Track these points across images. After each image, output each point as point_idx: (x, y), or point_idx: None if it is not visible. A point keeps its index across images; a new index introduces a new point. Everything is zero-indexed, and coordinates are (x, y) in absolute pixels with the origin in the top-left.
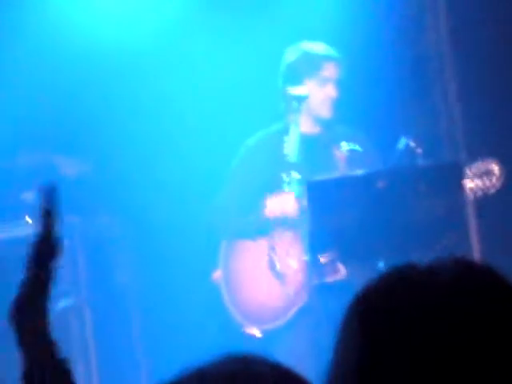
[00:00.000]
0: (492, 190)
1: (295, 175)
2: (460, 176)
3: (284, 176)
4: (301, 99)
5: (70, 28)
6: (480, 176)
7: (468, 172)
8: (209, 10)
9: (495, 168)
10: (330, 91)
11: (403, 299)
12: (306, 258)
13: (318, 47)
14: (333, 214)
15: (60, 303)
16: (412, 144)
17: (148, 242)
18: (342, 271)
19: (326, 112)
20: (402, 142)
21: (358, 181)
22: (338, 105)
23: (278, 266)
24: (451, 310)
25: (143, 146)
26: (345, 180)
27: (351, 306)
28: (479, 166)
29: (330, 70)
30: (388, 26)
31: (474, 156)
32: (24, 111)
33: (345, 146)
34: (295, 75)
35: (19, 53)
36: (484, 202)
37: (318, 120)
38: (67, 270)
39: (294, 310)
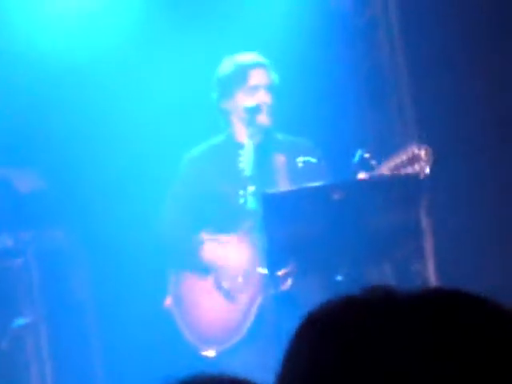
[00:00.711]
0: (422, 175)
1: (251, 189)
2: (416, 187)
3: (240, 191)
4: (252, 111)
5: (23, 40)
6: (409, 162)
7: (397, 160)
8: (153, 23)
9: (422, 152)
10: (262, 97)
11: (357, 325)
12: (263, 271)
13: (246, 57)
14: (289, 226)
15: (16, 321)
16: (366, 155)
17: (103, 256)
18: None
19: (263, 119)
20: (358, 154)
21: (313, 193)
22: (292, 115)
23: (225, 284)
24: (402, 340)
25: (96, 159)
26: (300, 192)
27: (302, 325)
28: (407, 152)
29: (257, 77)
30: (341, 37)
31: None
32: None
33: (299, 159)
34: (225, 88)
35: None
36: (438, 213)
37: (258, 129)
38: (22, 286)
39: (247, 325)
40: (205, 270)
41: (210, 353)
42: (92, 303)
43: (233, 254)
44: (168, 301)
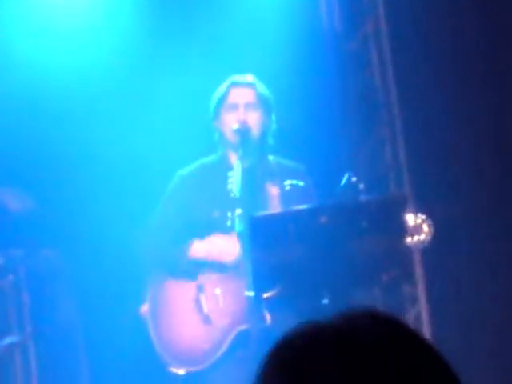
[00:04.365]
0: (425, 243)
1: (238, 211)
2: (402, 210)
3: (228, 213)
4: (239, 133)
5: (19, 53)
6: (411, 233)
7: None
8: (152, 42)
9: (424, 226)
10: (241, 116)
11: (322, 355)
12: (249, 294)
13: (234, 77)
14: (276, 249)
15: (4, 340)
16: (354, 179)
17: (92, 275)
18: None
19: (251, 141)
20: (345, 178)
21: (300, 216)
22: (281, 137)
23: (205, 309)
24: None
25: (87, 178)
26: (288, 215)
27: (269, 356)
28: (407, 221)
29: (236, 95)
30: (333, 59)
31: (417, 191)
32: None
33: (286, 182)
34: (214, 107)
35: None
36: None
37: (247, 151)
38: (12, 304)
39: (220, 352)
40: (192, 272)
41: (180, 371)
42: (80, 322)
43: (224, 247)
44: (144, 308)
